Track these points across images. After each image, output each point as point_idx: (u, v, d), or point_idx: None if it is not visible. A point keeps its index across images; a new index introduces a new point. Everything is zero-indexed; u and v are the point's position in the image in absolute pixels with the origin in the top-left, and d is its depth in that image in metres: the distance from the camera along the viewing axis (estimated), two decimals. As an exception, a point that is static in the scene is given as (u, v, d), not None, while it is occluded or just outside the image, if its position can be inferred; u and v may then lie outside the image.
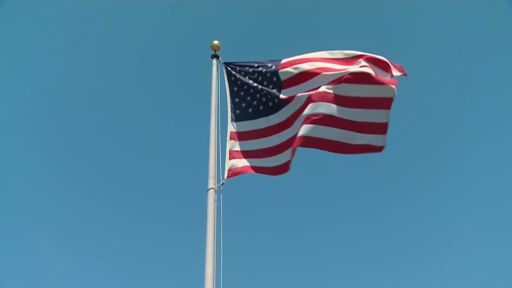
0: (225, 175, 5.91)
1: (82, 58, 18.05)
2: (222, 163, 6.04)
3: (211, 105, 6.34)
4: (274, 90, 6.31)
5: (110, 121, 18.51)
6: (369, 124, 5.75)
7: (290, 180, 6.27)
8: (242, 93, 6.65)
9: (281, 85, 6.31)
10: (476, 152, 17.31)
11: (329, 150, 5.86)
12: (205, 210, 5.39)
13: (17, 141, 16.52)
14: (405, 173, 18.56)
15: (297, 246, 16.99)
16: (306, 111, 5.76)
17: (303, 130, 5.68)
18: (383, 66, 5.81)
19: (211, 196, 5.49)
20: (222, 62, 6.94)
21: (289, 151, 5.89)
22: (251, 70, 6.63)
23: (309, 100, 5.84)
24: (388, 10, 18.95)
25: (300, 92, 6.06)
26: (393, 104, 5.67)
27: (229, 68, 6.86)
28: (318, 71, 6.04)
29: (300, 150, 5.73)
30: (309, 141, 5.71)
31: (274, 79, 6.37)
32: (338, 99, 5.77)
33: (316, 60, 6.18)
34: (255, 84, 6.51)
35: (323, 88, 5.83)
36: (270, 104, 6.37)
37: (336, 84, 5.81)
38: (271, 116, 6.34)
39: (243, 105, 6.59)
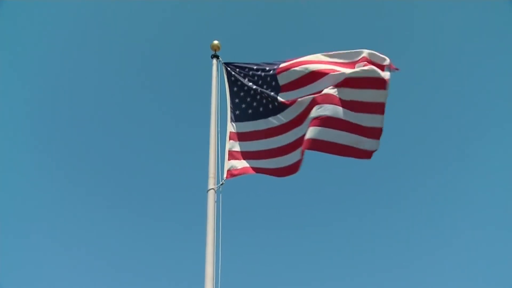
0: (224, 176, 5.91)
1: (82, 58, 18.07)
2: (222, 163, 6.05)
3: (211, 105, 6.34)
4: (273, 93, 6.34)
5: (110, 121, 18.52)
6: (372, 129, 5.84)
7: (290, 180, 6.26)
8: (242, 94, 6.66)
9: (279, 88, 6.34)
10: (476, 152, 17.32)
11: (336, 154, 5.91)
12: (205, 210, 5.40)
13: (17, 141, 16.54)
14: (405, 173, 18.57)
15: (297, 246, 17.01)
16: (313, 113, 5.80)
17: (311, 132, 5.71)
18: (378, 65, 5.83)
19: (211, 196, 5.49)
20: (222, 62, 6.95)
21: (296, 152, 5.91)
22: (250, 72, 6.64)
23: (314, 102, 5.87)
24: (388, 10, 18.97)
25: (301, 95, 6.10)
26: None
27: (229, 69, 6.86)
28: (318, 75, 6.07)
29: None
30: (317, 144, 5.75)
31: (273, 83, 6.41)
32: (342, 102, 5.82)
33: (315, 62, 6.20)
34: (254, 87, 6.53)
35: (326, 90, 5.87)
36: (270, 106, 6.39)
37: (339, 87, 5.85)
38: (270, 118, 6.35)
39: (243, 106, 6.59)
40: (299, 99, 6.08)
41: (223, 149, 6.19)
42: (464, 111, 18.18)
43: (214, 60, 6.90)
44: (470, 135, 18.00)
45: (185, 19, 19.38)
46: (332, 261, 16.79)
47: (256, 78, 6.58)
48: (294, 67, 6.28)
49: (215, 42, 7.00)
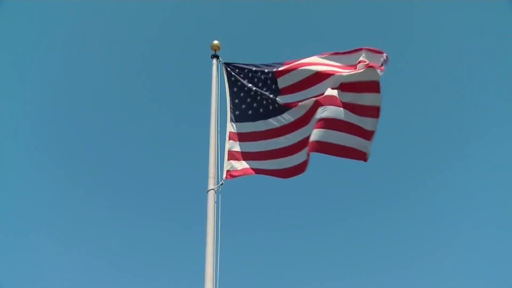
0: (224, 176, 5.91)
1: (82, 58, 18.06)
2: (222, 163, 6.05)
3: (211, 105, 6.34)
4: (272, 96, 6.37)
5: (110, 121, 18.52)
6: (370, 132, 5.91)
7: (290, 180, 6.27)
8: (242, 95, 6.66)
9: (279, 91, 6.38)
10: (476, 152, 17.32)
11: (339, 156, 5.93)
12: (205, 211, 5.40)
13: (17, 141, 16.54)
14: (405, 173, 18.58)
15: (297, 246, 17.01)
16: (318, 115, 5.81)
17: (315, 135, 5.72)
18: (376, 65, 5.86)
19: (211, 197, 5.49)
20: (222, 62, 6.95)
21: (302, 153, 5.92)
22: (249, 74, 6.65)
23: (317, 103, 5.89)
24: (388, 10, 18.97)
25: (301, 98, 6.14)
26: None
27: (229, 69, 6.86)
28: (318, 78, 6.10)
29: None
30: (321, 147, 5.78)
31: (273, 86, 6.44)
32: (344, 104, 5.86)
33: (313, 64, 6.22)
34: (254, 88, 6.54)
35: (329, 92, 5.90)
36: (270, 107, 6.41)
37: (339, 90, 5.90)
38: (270, 119, 6.37)
39: (243, 106, 6.59)
40: (301, 103, 6.11)
41: (223, 149, 6.20)
42: (464, 111, 18.21)
43: (214, 60, 6.90)
44: (470, 135, 18.02)
45: (185, 19, 19.40)
46: (332, 261, 16.81)
47: (255, 80, 6.60)
48: (293, 69, 6.30)
49: (215, 42, 6.99)
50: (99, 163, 18.02)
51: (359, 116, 5.89)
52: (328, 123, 5.77)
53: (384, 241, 17.05)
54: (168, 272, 15.75)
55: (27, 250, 14.78)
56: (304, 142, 5.93)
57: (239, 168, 6.14)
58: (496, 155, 16.88)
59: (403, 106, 18.86)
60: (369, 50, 5.84)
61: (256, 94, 6.54)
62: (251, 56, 18.17)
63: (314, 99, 5.98)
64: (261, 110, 6.49)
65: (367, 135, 5.88)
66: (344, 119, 5.81)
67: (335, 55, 6.22)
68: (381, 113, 5.88)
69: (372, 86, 5.77)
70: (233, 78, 6.79)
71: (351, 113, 5.84)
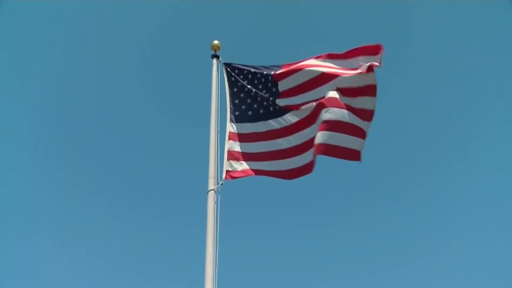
0: (223, 176, 5.91)
1: (82, 58, 18.07)
2: (222, 163, 6.05)
3: (211, 105, 6.34)
4: (272, 98, 6.41)
5: (110, 121, 18.52)
6: (364, 133, 5.96)
7: (290, 180, 6.30)
8: (242, 95, 6.67)
9: (278, 94, 6.41)
10: (476, 152, 17.33)
11: (344, 158, 5.94)
12: (205, 211, 5.39)
13: (17, 141, 16.54)
14: (405, 173, 18.58)
15: (297, 246, 17.01)
16: (322, 117, 5.83)
17: (320, 137, 5.73)
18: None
19: (211, 197, 5.49)
20: (222, 62, 6.95)
21: (307, 154, 5.95)
22: (249, 76, 6.66)
23: (320, 105, 5.92)
24: (388, 10, 18.97)
25: (302, 102, 6.18)
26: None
27: (229, 69, 6.86)
28: (318, 81, 6.14)
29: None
30: (327, 149, 5.78)
31: (274, 89, 6.47)
32: (347, 106, 5.89)
33: (313, 66, 6.22)
34: (254, 90, 6.55)
35: (331, 94, 5.92)
36: (271, 109, 6.43)
37: (340, 92, 5.93)
38: (270, 121, 6.40)
39: (243, 107, 6.60)
40: (303, 106, 6.15)
41: (223, 150, 6.20)
42: (464, 111, 18.21)
43: (214, 60, 6.90)
44: (470, 135, 18.02)
45: (185, 19, 19.40)
46: (332, 261, 16.80)
47: (255, 81, 6.62)
48: (294, 73, 6.32)
49: (215, 42, 6.99)
50: (99, 163, 18.04)
51: (357, 117, 5.92)
52: (332, 125, 5.79)
53: (384, 241, 17.06)
54: (168, 272, 15.77)
55: (27, 250, 14.79)
56: (309, 143, 5.95)
57: (239, 169, 6.14)
58: (496, 155, 16.90)
59: (403, 106, 18.89)
60: (366, 52, 5.87)
61: (256, 95, 6.56)
62: (251, 56, 18.20)
63: (316, 101, 6.02)
64: (261, 111, 6.51)
65: (363, 134, 5.90)
66: (348, 121, 5.84)
67: (334, 58, 6.23)
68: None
69: (369, 90, 5.83)
70: (233, 79, 6.79)
71: (352, 114, 5.86)
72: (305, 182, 6.18)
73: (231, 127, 6.44)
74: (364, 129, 5.89)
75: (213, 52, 6.96)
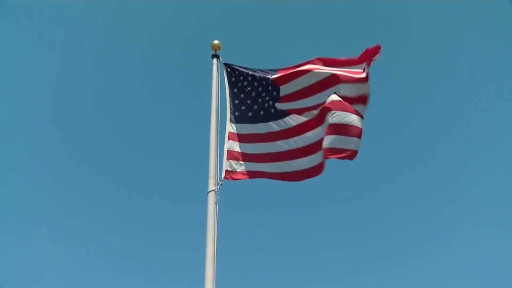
0: (223, 175, 5.91)
1: (82, 58, 18.06)
2: (222, 164, 6.05)
3: (211, 104, 6.33)
4: (271, 102, 6.45)
5: (110, 121, 18.51)
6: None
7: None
8: (242, 96, 6.67)
9: (278, 98, 6.45)
10: (476, 152, 17.33)
11: (348, 159, 5.96)
12: (205, 211, 5.39)
13: (17, 141, 16.53)
14: (405, 173, 18.58)
15: (297, 246, 17.00)
16: (329, 120, 5.87)
17: (329, 141, 5.77)
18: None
19: (211, 198, 5.48)
20: (223, 62, 6.94)
21: (315, 156, 6.00)
22: (249, 78, 6.67)
23: (325, 109, 5.93)
24: (388, 10, 18.97)
25: (302, 106, 6.25)
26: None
27: (229, 70, 6.86)
28: (319, 87, 6.16)
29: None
30: (333, 153, 5.82)
31: (274, 93, 6.49)
32: (351, 109, 5.93)
33: (314, 71, 6.24)
34: (254, 92, 6.56)
35: (335, 97, 5.98)
36: (272, 111, 6.46)
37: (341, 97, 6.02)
38: (271, 123, 6.42)
39: (243, 108, 6.60)
40: (305, 111, 6.21)
41: (223, 150, 6.20)
42: (464, 111, 18.20)
43: (215, 60, 6.90)
44: (470, 135, 18.02)
45: (185, 19, 19.39)
46: (332, 261, 16.79)
47: (255, 83, 6.63)
48: (296, 77, 6.34)
49: (216, 42, 6.99)
50: (99, 163, 18.02)
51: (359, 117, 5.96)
52: (337, 128, 5.82)
53: (384, 241, 17.06)
54: (168, 272, 15.76)
55: (27, 250, 14.78)
56: (315, 146, 6.01)
57: (239, 170, 6.14)
58: (496, 155, 16.89)
59: (403, 106, 18.90)
60: (367, 57, 5.92)
61: (257, 97, 6.58)
62: (251, 56, 18.15)
63: (319, 106, 6.06)
64: (261, 112, 6.52)
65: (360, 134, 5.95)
66: (353, 124, 5.87)
67: (335, 65, 6.25)
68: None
69: (362, 99, 5.94)
70: (233, 79, 6.79)
71: (357, 117, 5.89)
72: (305, 182, 6.20)
73: (230, 127, 6.45)
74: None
75: (213, 52, 6.96)
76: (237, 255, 15.18)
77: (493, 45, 16.99)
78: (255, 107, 6.58)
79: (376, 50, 5.88)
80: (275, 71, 6.59)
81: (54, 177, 16.85)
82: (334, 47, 19.41)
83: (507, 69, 16.33)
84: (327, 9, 19.88)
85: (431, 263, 15.52)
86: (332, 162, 5.98)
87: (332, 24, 20.08)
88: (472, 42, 17.82)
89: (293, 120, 6.31)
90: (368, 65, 5.94)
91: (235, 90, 6.73)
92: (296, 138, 6.24)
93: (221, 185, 5.71)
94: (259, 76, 6.59)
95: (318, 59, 6.40)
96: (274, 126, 6.40)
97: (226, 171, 6.03)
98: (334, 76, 6.12)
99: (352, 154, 5.82)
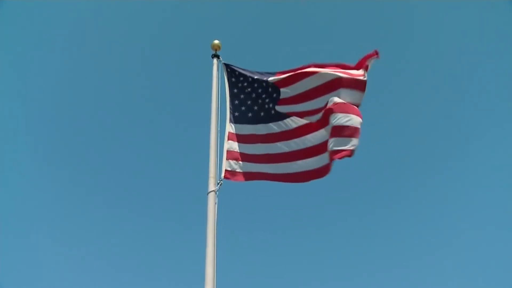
0: (222, 175, 5.91)
1: (82, 58, 18.07)
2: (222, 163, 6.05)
3: (211, 104, 6.33)
4: (272, 105, 6.45)
5: (110, 121, 18.52)
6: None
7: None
8: (242, 96, 6.67)
9: (278, 100, 6.44)
10: (476, 152, 17.34)
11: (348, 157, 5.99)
12: (205, 211, 5.39)
13: (17, 141, 16.54)
14: (405, 173, 18.59)
15: (297, 246, 17.02)
16: (332, 122, 5.87)
17: (333, 143, 5.79)
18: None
19: (212, 198, 5.47)
20: (223, 62, 6.94)
21: (317, 158, 6.02)
22: (250, 79, 6.67)
23: (329, 111, 5.93)
24: (388, 10, 18.97)
25: (304, 109, 6.24)
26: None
27: (229, 70, 6.86)
28: (319, 92, 6.17)
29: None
30: (338, 155, 5.83)
31: (274, 95, 6.49)
32: (349, 108, 5.94)
33: (314, 73, 6.24)
34: (254, 93, 6.56)
35: (336, 99, 5.99)
36: (272, 112, 6.45)
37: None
38: (271, 124, 6.42)
39: (243, 108, 6.60)
40: (306, 115, 6.22)
41: (223, 150, 6.19)
42: (464, 111, 18.22)
43: (215, 60, 6.89)
44: (470, 135, 18.03)
45: (185, 19, 19.40)
46: (332, 261, 16.81)
47: (256, 85, 6.63)
48: (296, 81, 6.33)
49: (216, 41, 6.98)
50: (99, 163, 18.04)
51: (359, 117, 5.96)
52: (340, 130, 5.83)
53: (384, 241, 17.07)
54: (168, 272, 15.77)
55: (27, 250, 14.79)
56: (321, 147, 6.02)
57: (238, 170, 6.14)
58: (496, 155, 16.91)
59: (403, 106, 18.90)
60: (366, 61, 5.94)
61: (257, 98, 6.58)
62: (251, 56, 18.15)
63: (322, 109, 6.06)
64: (262, 114, 6.53)
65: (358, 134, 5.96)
66: (354, 125, 5.87)
67: (331, 69, 6.25)
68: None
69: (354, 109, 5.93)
70: (233, 79, 6.78)
71: (358, 117, 5.90)
72: (305, 182, 6.20)
73: (230, 128, 6.44)
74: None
75: (213, 52, 6.95)
76: (237, 255, 15.20)
77: (493, 45, 17.02)
78: (255, 108, 6.58)
79: (373, 54, 5.91)
80: (273, 74, 6.59)
81: (54, 177, 16.88)
82: (334, 47, 19.43)
83: (507, 69, 16.36)
84: (327, 9, 19.92)
85: (431, 263, 15.54)
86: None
87: (332, 24, 20.10)
88: (472, 42, 17.85)
89: (294, 122, 6.34)
90: (366, 70, 5.94)
91: (235, 90, 6.73)
92: (296, 140, 6.26)
93: (220, 184, 5.71)
94: (259, 78, 6.59)
95: (314, 65, 6.38)
96: (274, 127, 6.41)
97: (226, 170, 6.02)
98: (335, 80, 6.10)
99: (351, 151, 5.84)
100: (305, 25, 20.00)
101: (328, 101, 6.04)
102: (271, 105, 6.48)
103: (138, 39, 18.90)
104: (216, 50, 6.95)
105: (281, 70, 6.56)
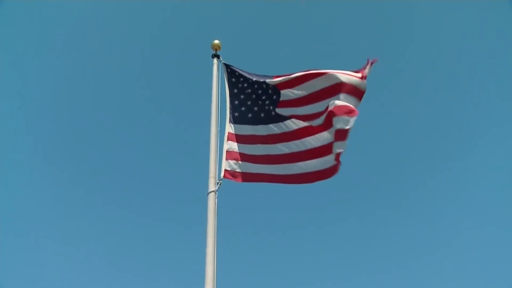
0: (222, 174, 5.90)
1: (82, 58, 18.08)
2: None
3: (211, 104, 6.33)
4: (272, 107, 6.45)
5: (110, 121, 18.53)
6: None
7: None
8: (242, 97, 6.66)
9: (278, 103, 6.43)
10: (476, 152, 17.35)
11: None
12: (205, 211, 5.39)
13: (17, 141, 16.55)
14: (405, 173, 18.59)
15: (297, 246, 17.02)
16: (336, 125, 5.85)
17: (337, 147, 5.84)
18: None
19: (212, 198, 5.47)
20: (223, 62, 6.93)
21: (326, 158, 6.00)
22: (250, 80, 6.66)
23: (331, 113, 5.92)
24: (388, 10, 18.98)
25: (304, 113, 6.23)
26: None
27: (229, 70, 6.85)
28: (321, 95, 6.15)
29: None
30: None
31: (274, 97, 6.48)
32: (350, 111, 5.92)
33: (315, 77, 6.23)
34: (254, 94, 6.56)
35: (339, 103, 5.94)
36: (273, 113, 6.43)
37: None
38: (271, 125, 6.43)
39: (243, 108, 6.60)
40: (307, 118, 6.21)
41: (222, 150, 6.20)
42: (464, 111, 18.22)
43: (215, 60, 6.88)
44: (470, 135, 18.03)
45: (185, 19, 19.40)
46: (332, 261, 16.81)
47: (256, 86, 6.62)
48: (297, 84, 6.32)
49: (216, 41, 6.98)
50: (99, 163, 18.04)
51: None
52: (341, 134, 5.85)
53: (384, 241, 17.08)
54: (168, 272, 15.77)
55: (27, 250, 14.79)
56: (326, 148, 6.02)
57: (238, 170, 6.14)
58: (496, 155, 16.92)
59: (403, 106, 18.91)
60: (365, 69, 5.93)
61: (258, 99, 6.57)
62: (251, 56, 18.15)
63: (323, 112, 6.04)
64: (262, 114, 6.53)
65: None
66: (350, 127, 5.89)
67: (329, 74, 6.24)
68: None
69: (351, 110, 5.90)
70: (233, 80, 6.78)
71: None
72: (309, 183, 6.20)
73: (230, 128, 6.44)
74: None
75: (213, 52, 6.95)
76: (237, 255, 15.20)
77: (493, 45, 17.02)
78: (255, 108, 6.58)
79: (372, 61, 5.89)
80: (270, 77, 6.58)
81: (54, 177, 16.88)
82: (334, 47, 19.44)
83: (507, 69, 16.36)
84: (327, 9, 19.92)
85: (431, 263, 15.55)
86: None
87: (332, 24, 20.10)
88: (472, 42, 17.86)
89: (294, 123, 6.32)
90: (364, 79, 5.89)
91: (235, 90, 6.72)
92: (296, 141, 6.25)
93: (220, 184, 5.70)
94: (259, 80, 6.57)
95: (314, 71, 6.36)
96: (274, 128, 6.40)
97: (225, 171, 6.02)
98: (336, 85, 6.07)
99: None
100: (305, 25, 20.02)
101: (329, 105, 6.01)
102: (271, 107, 6.48)
103: (138, 39, 18.93)
104: (216, 50, 6.95)
105: (278, 75, 6.53)
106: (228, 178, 6.01)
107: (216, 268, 4.98)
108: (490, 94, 17.44)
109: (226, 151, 6.20)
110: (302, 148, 6.20)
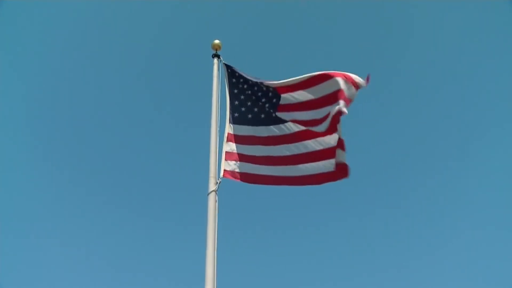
0: (221, 174, 5.89)
1: (82, 58, 18.08)
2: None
3: (212, 104, 6.33)
4: (271, 110, 6.42)
5: (110, 121, 18.53)
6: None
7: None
8: (242, 97, 6.65)
9: (278, 106, 6.39)
10: (476, 152, 17.35)
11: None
12: (205, 211, 5.38)
13: (17, 141, 16.55)
14: (405, 173, 18.59)
15: (297, 246, 17.02)
16: (339, 132, 5.85)
17: (341, 156, 5.85)
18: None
19: (212, 198, 5.47)
20: (223, 62, 6.93)
21: (328, 161, 5.97)
22: (250, 82, 6.64)
23: (335, 120, 5.86)
24: (388, 10, 18.98)
25: (303, 118, 6.16)
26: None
27: (229, 71, 6.85)
28: (321, 102, 6.09)
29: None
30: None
31: (274, 100, 6.44)
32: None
33: (315, 84, 6.20)
34: (254, 96, 6.55)
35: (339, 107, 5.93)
36: (273, 115, 6.41)
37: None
38: (272, 127, 6.40)
39: (243, 109, 6.58)
40: (307, 124, 6.14)
41: (222, 150, 6.19)
42: (464, 111, 18.22)
43: (215, 60, 6.88)
44: (470, 135, 18.03)
45: (185, 19, 19.40)
46: (332, 261, 16.81)
47: (256, 88, 6.60)
48: (297, 89, 6.27)
49: (216, 41, 6.97)
50: (99, 163, 18.04)
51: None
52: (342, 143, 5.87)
53: (384, 241, 17.08)
54: (168, 272, 15.77)
55: (27, 250, 14.79)
56: (328, 152, 5.98)
57: (237, 171, 6.12)
58: (496, 155, 16.92)
59: (403, 106, 18.90)
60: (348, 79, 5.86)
61: (258, 100, 6.56)
62: (251, 56, 18.14)
63: (324, 119, 5.97)
64: (262, 116, 6.50)
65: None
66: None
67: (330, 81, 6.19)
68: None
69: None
70: (234, 80, 6.77)
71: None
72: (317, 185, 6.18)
73: (230, 128, 6.43)
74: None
75: (214, 52, 6.94)
76: (237, 255, 15.20)
77: (493, 45, 17.02)
78: (256, 109, 6.56)
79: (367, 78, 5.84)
80: (269, 81, 6.58)
81: (54, 177, 16.88)
82: (334, 46, 19.44)
83: (507, 69, 16.37)
84: (327, 9, 19.91)
85: (431, 263, 15.55)
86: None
87: (332, 24, 20.10)
88: (472, 42, 17.86)
89: (296, 126, 6.28)
90: (357, 88, 5.81)
91: (235, 91, 6.71)
92: (297, 144, 6.20)
93: (219, 183, 5.70)
94: (259, 82, 6.56)
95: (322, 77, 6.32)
96: (275, 130, 6.37)
97: (225, 171, 6.01)
98: (337, 92, 6.01)
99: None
100: (305, 25, 20.02)
101: (330, 111, 5.95)
102: (271, 111, 6.45)
103: (138, 39, 18.93)
104: (216, 50, 6.94)
105: (276, 81, 6.52)
106: (228, 177, 6.00)
107: (216, 268, 4.98)
108: (490, 94, 17.46)
109: (226, 151, 6.19)
110: (303, 151, 6.16)
